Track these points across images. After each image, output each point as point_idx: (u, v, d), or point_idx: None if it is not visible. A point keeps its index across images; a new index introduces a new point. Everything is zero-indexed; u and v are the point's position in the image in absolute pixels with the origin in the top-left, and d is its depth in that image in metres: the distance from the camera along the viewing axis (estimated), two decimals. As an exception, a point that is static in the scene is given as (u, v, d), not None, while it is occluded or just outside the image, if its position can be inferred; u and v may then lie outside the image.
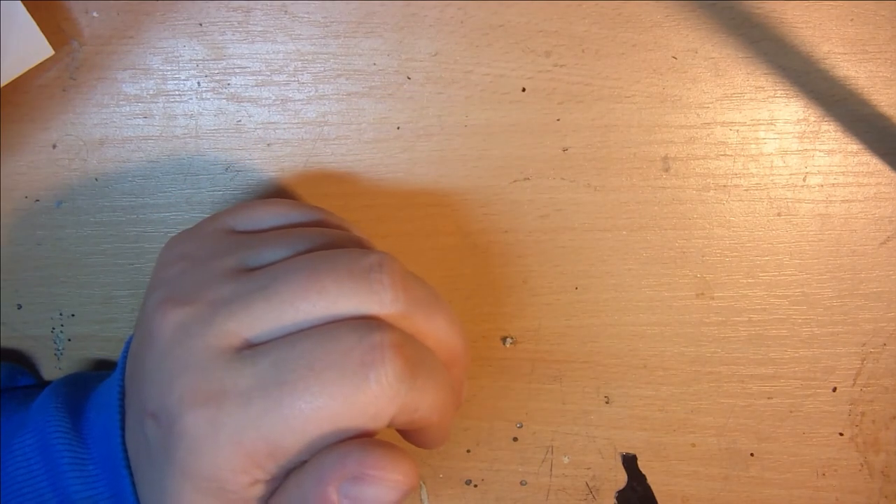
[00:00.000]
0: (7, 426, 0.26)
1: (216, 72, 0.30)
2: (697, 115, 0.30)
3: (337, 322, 0.20)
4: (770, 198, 0.31)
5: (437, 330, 0.21)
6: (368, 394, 0.18)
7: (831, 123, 0.31)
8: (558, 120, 0.30)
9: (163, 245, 0.31)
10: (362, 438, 0.19)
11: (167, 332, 0.20)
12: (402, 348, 0.19)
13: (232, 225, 0.25)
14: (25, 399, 0.28)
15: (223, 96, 0.30)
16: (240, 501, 0.20)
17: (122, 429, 0.23)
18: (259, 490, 0.20)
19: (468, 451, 0.32)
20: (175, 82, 0.30)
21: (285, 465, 0.19)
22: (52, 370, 0.32)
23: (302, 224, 0.24)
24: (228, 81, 0.30)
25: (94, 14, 0.29)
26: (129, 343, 0.25)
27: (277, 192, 0.31)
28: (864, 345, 0.32)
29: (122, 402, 0.24)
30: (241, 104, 0.30)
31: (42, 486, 0.25)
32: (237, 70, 0.30)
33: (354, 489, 0.18)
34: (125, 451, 0.23)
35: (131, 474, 0.23)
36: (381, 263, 0.20)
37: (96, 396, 0.26)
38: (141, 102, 0.30)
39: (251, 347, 0.20)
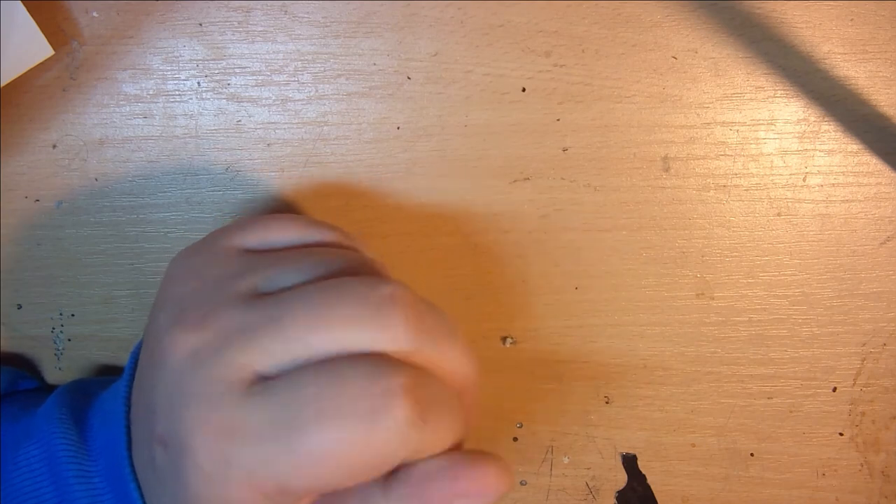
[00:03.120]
0: (10, 433, 0.26)
1: (216, 72, 0.30)
2: (697, 115, 0.30)
3: (349, 359, 0.19)
4: (770, 198, 0.31)
5: (449, 360, 0.21)
6: (379, 438, 0.18)
7: (831, 123, 0.31)
8: (558, 120, 0.30)
9: (163, 244, 0.31)
10: (451, 453, 0.20)
11: (178, 358, 0.20)
12: (413, 392, 0.19)
13: (242, 243, 0.24)
14: (27, 403, 0.28)
15: (223, 96, 0.30)
16: None
17: (129, 440, 0.23)
18: None
19: (468, 451, 0.32)
20: (175, 82, 0.30)
21: (298, 497, 0.19)
22: (52, 370, 0.32)
23: (314, 244, 0.24)
24: (228, 81, 0.30)
25: (94, 14, 0.29)
26: (134, 353, 0.25)
27: (278, 192, 0.31)
28: (864, 345, 0.32)
29: (128, 414, 0.24)
30: (241, 104, 0.30)
31: (47, 497, 0.24)
32: (237, 70, 0.30)
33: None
34: (132, 465, 0.23)
35: (139, 487, 0.23)
36: (392, 297, 0.20)
37: (100, 403, 0.26)
38: (141, 102, 0.30)
39: (262, 382, 0.20)
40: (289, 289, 0.21)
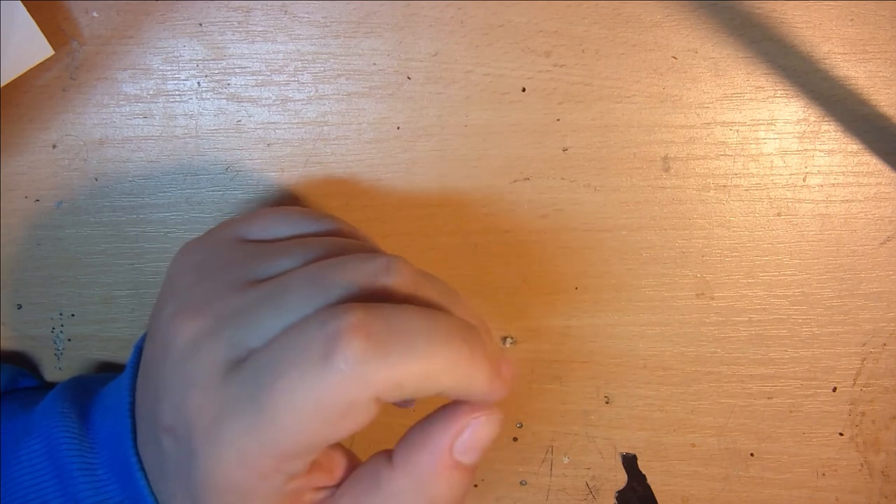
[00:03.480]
0: (10, 430, 0.26)
1: (216, 72, 0.30)
2: (697, 115, 0.30)
3: (308, 315, 0.19)
4: (770, 198, 0.31)
5: None
6: (334, 382, 0.18)
7: (831, 123, 0.31)
8: (558, 120, 0.30)
9: (163, 244, 0.31)
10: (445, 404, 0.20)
11: (179, 345, 0.20)
12: (362, 328, 0.18)
13: (244, 234, 0.24)
14: (27, 400, 0.28)
15: (223, 96, 0.30)
16: (278, 495, 0.20)
17: (134, 432, 0.23)
18: (294, 484, 0.20)
19: (468, 451, 0.32)
20: (175, 82, 0.30)
21: (291, 466, 0.19)
22: (52, 370, 0.32)
23: (314, 234, 0.24)
24: (228, 81, 0.30)
25: (94, 14, 0.29)
26: (137, 347, 0.25)
27: (277, 192, 0.31)
28: (864, 345, 0.32)
29: (132, 406, 0.24)
30: (241, 104, 0.30)
31: (48, 491, 0.24)
32: (237, 70, 0.30)
33: (467, 441, 0.20)
34: (138, 456, 0.23)
35: (146, 476, 0.23)
36: (388, 267, 0.20)
37: (102, 399, 0.26)
38: (141, 102, 0.30)
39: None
40: (285, 273, 0.21)
